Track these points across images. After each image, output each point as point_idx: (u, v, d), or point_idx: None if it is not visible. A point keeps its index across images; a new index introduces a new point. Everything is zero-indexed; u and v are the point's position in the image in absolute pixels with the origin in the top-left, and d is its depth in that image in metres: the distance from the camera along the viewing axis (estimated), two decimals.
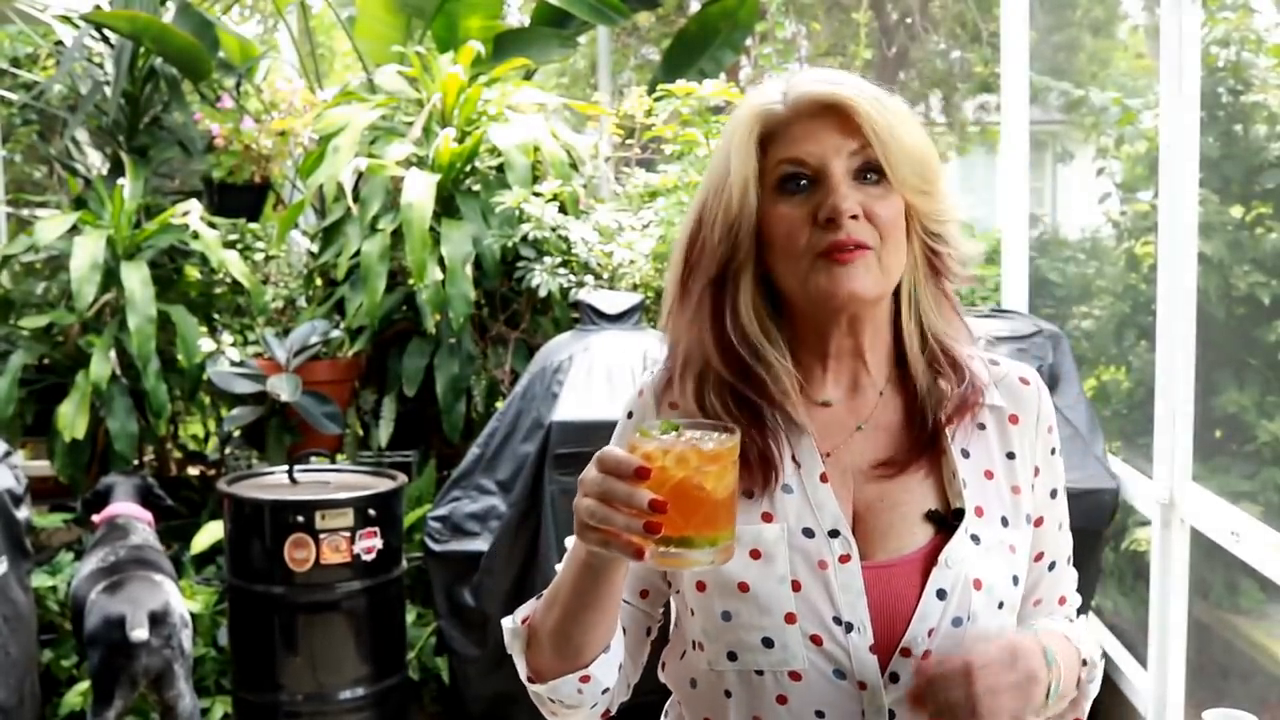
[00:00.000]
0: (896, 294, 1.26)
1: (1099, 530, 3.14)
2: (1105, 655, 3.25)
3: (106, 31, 4.64)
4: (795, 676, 1.21)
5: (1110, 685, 3.23)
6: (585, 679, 1.23)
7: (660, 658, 1.38)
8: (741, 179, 1.22)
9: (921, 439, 1.26)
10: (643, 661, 1.34)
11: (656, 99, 4.22)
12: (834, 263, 1.19)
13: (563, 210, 4.00)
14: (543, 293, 3.87)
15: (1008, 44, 3.79)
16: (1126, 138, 4.54)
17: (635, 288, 3.85)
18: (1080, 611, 1.41)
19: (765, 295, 1.25)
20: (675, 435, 1.11)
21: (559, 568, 1.24)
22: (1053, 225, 6.54)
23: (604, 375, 3.27)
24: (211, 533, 3.80)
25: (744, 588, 1.21)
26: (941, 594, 1.21)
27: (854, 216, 1.19)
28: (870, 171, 1.21)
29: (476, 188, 4.14)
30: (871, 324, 1.27)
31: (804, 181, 1.21)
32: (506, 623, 1.27)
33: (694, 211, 1.27)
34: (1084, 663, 1.30)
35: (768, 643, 1.21)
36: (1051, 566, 1.34)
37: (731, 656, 1.23)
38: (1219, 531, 2.64)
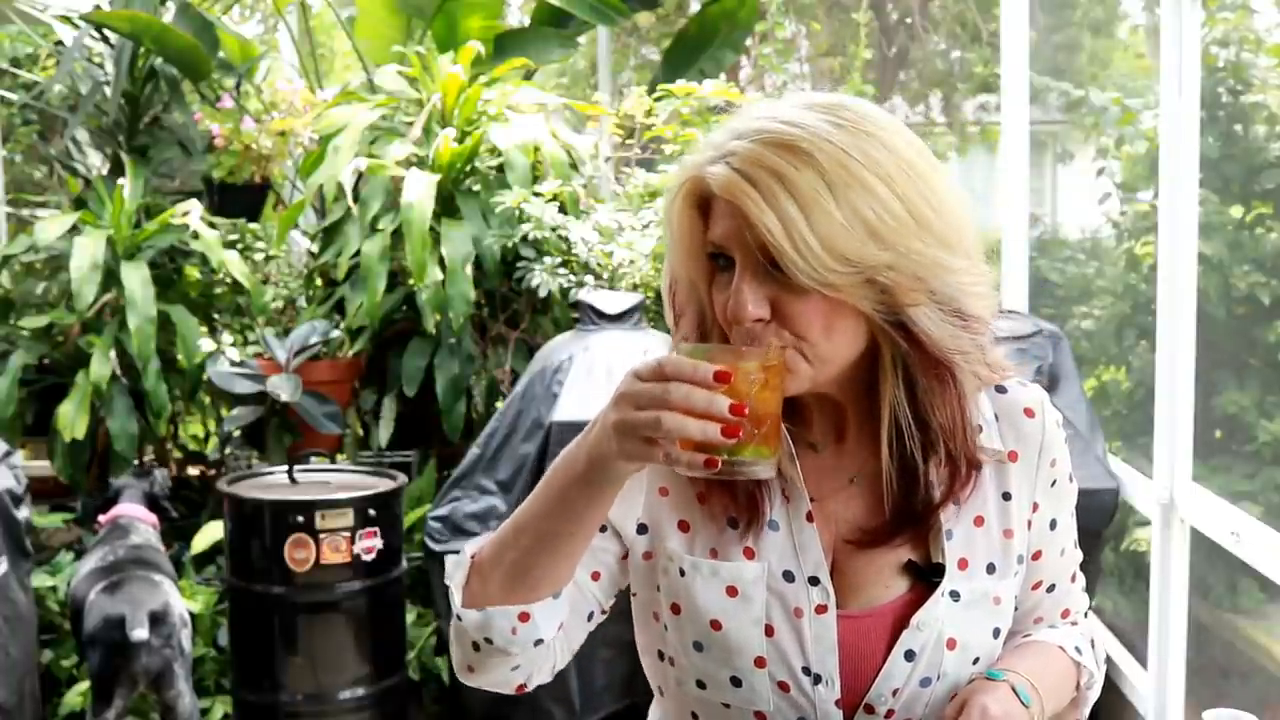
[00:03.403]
0: (878, 353, 1.15)
1: (1099, 530, 3.14)
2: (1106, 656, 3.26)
3: (106, 31, 4.64)
4: (760, 717, 1.20)
5: (1110, 685, 3.23)
6: (524, 616, 1.16)
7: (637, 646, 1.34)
8: (686, 255, 1.15)
9: (908, 512, 1.19)
10: (574, 648, 1.27)
11: (656, 99, 4.22)
12: None
13: (563, 210, 4.00)
14: (543, 293, 3.86)
15: (1008, 44, 3.78)
16: (1126, 138, 4.54)
17: (635, 288, 3.84)
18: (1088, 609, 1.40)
19: None
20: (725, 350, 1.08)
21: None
22: (1053, 225, 6.55)
23: (604, 375, 3.27)
24: (211, 533, 3.80)
25: (716, 626, 1.19)
26: (910, 655, 1.18)
27: (759, 319, 1.09)
28: (777, 264, 1.08)
29: (476, 188, 4.14)
30: (836, 386, 1.18)
31: (726, 262, 1.12)
32: (450, 558, 1.21)
33: (667, 264, 1.20)
34: (1081, 666, 1.29)
35: (735, 681, 1.19)
36: (1051, 589, 1.30)
37: (700, 685, 1.21)
38: (1219, 531, 2.64)
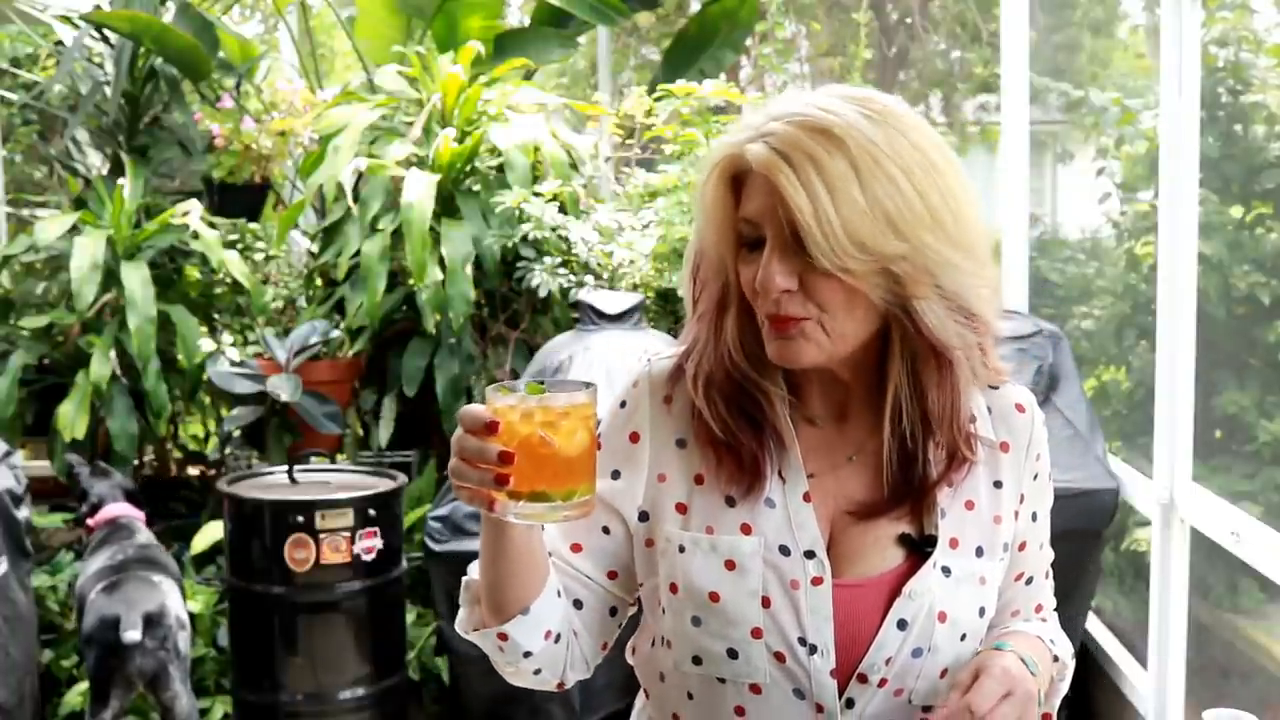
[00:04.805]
0: (889, 333, 1.20)
1: (1099, 530, 3.14)
2: (1104, 655, 3.25)
3: (106, 31, 4.64)
4: (755, 689, 1.22)
5: (1110, 685, 3.23)
6: (503, 636, 1.23)
7: (630, 642, 1.38)
8: (716, 229, 1.20)
9: (905, 489, 1.24)
10: (608, 642, 1.34)
11: (657, 99, 4.21)
12: (775, 332, 1.17)
13: (563, 210, 4.00)
14: (543, 293, 3.86)
15: (1008, 44, 3.78)
16: (1126, 138, 4.54)
17: (635, 288, 3.84)
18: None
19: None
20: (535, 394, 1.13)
21: None
22: (1053, 225, 6.54)
23: (604, 375, 3.27)
24: (211, 533, 3.80)
25: (715, 598, 1.22)
26: (903, 624, 1.22)
27: (787, 290, 1.15)
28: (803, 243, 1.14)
29: (476, 188, 4.14)
30: (845, 366, 1.23)
31: (757, 239, 1.17)
32: (465, 580, 1.29)
33: (695, 238, 1.25)
34: (1055, 659, 1.32)
35: (732, 654, 1.22)
36: (1029, 581, 1.35)
37: (696, 661, 1.24)
38: (1219, 531, 2.64)
